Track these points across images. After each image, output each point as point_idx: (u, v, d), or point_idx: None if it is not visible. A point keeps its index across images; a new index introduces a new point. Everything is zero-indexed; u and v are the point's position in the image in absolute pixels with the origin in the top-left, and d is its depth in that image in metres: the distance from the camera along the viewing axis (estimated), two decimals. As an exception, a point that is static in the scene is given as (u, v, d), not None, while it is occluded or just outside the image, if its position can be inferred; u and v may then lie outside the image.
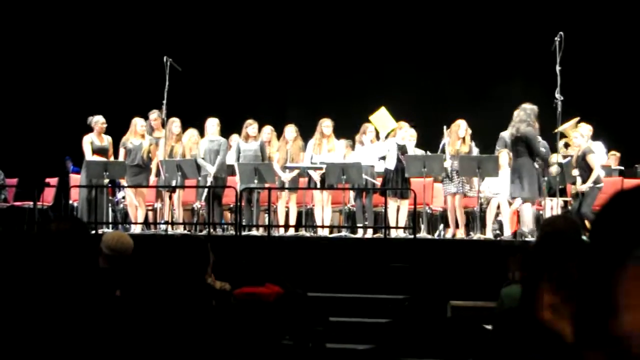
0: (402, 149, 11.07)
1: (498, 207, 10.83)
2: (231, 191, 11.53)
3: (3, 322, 2.93)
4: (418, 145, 11.40)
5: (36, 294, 2.96)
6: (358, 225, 11.22)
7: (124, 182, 11.84)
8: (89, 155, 11.63)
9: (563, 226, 3.84)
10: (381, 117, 11.11)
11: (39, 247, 3.05)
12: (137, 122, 11.77)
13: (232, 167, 11.85)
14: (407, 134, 11.19)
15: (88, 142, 11.70)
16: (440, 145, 11.15)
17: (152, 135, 11.90)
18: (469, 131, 11.21)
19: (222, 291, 4.80)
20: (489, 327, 4.00)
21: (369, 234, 11.04)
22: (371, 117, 11.23)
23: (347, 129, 12.15)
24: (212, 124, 11.75)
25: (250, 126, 11.68)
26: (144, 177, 11.71)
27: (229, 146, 12.04)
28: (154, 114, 12.00)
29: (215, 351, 4.06)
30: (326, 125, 11.44)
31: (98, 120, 11.75)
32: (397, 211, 11.01)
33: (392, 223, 10.89)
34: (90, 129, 11.80)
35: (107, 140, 11.84)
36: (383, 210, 11.07)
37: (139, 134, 11.74)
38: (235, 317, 4.65)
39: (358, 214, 11.32)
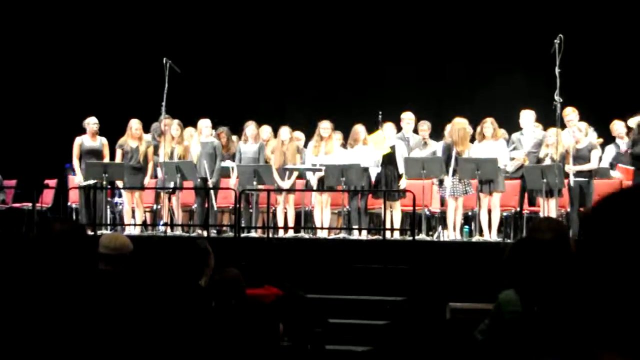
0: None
1: None
2: (228, 193, 11.50)
3: (3, 323, 2.92)
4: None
5: (35, 295, 2.95)
6: (354, 227, 11.19)
7: (120, 184, 11.84)
8: (75, 159, 11.69)
9: (546, 233, 3.70)
10: (378, 138, 11.09)
11: (38, 248, 3.05)
12: (133, 125, 11.75)
13: (226, 169, 11.82)
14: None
15: (77, 144, 11.74)
16: (441, 149, 11.12)
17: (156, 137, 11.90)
18: (470, 130, 11.22)
19: (225, 293, 4.78)
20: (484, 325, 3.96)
21: (364, 235, 11.02)
22: (369, 137, 11.18)
23: (347, 131, 12.15)
24: (205, 125, 11.70)
25: (249, 127, 11.65)
26: (140, 178, 11.71)
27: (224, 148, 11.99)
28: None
29: (213, 353, 4.05)
30: (324, 127, 11.39)
31: (89, 122, 11.80)
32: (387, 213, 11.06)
33: (387, 225, 10.88)
34: (85, 131, 11.84)
35: (100, 142, 11.84)
36: (381, 212, 11.05)
37: (135, 136, 11.73)
38: (235, 319, 4.65)
39: (353, 215, 11.27)
